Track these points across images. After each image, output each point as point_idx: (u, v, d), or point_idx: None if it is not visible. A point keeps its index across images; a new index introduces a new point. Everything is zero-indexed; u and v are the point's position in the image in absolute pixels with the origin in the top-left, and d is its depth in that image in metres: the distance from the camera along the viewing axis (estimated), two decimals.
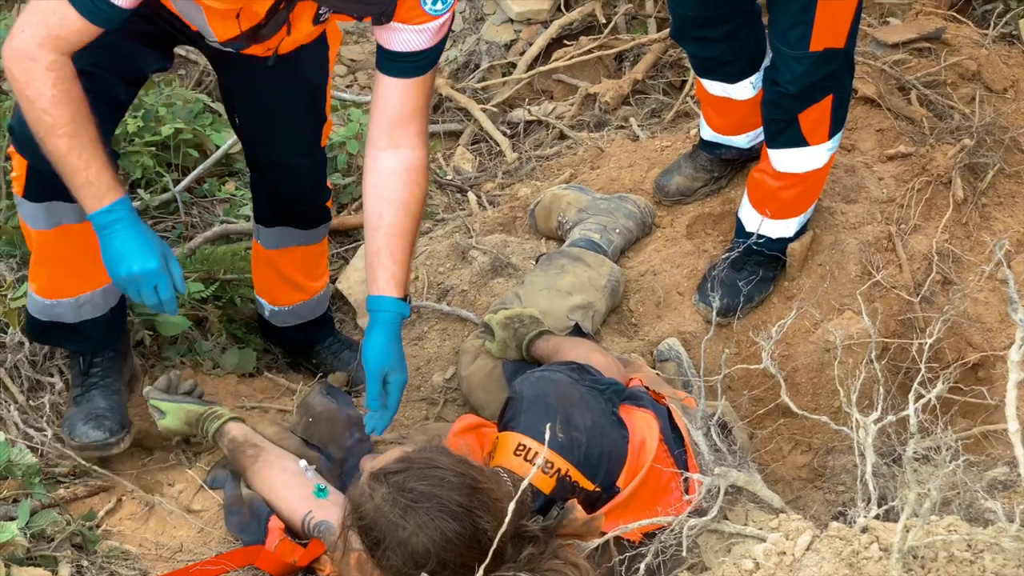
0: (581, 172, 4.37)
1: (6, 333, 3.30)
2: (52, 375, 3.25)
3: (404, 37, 2.71)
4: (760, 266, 3.64)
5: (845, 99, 3.49)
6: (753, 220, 3.62)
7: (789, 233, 3.62)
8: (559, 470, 2.72)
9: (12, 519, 2.74)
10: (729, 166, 3.98)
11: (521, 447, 2.72)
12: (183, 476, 3.13)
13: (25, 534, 2.69)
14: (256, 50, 2.84)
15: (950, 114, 4.04)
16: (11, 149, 2.83)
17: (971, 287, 3.63)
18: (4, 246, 3.47)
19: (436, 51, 2.78)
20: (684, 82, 4.97)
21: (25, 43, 2.55)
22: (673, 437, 2.94)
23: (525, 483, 2.43)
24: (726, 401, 3.23)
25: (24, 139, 2.75)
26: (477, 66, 5.42)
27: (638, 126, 4.71)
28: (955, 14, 4.55)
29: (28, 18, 2.57)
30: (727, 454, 2.80)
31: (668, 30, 5.11)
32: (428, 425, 3.41)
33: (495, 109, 5.16)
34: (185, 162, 4.25)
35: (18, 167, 2.85)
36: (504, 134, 4.99)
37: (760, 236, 3.58)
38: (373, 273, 2.83)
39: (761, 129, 3.68)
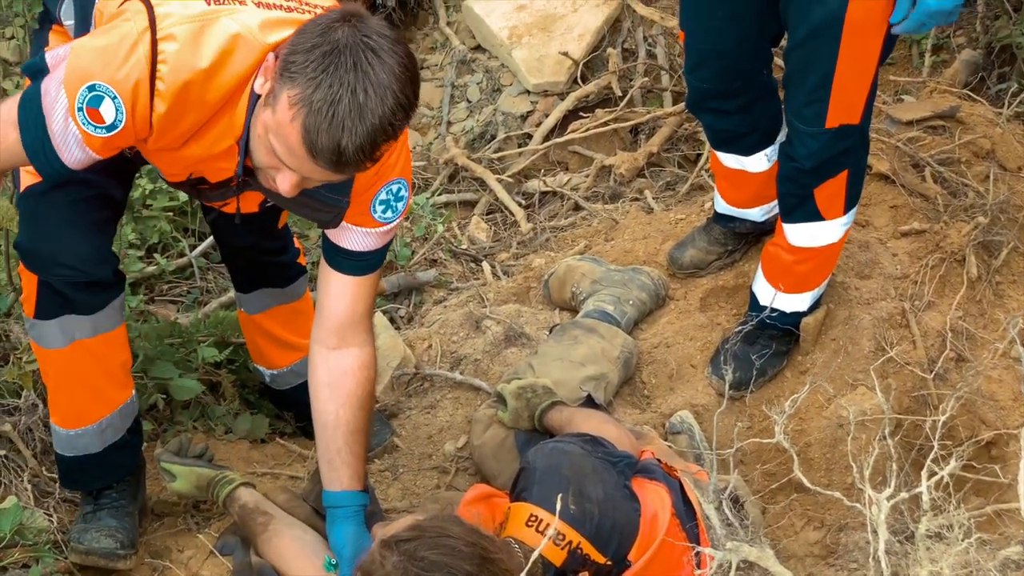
0: (595, 243, 4.39)
1: (20, 396, 3.30)
2: None
3: (354, 237, 2.78)
4: (773, 340, 3.64)
5: (860, 174, 3.50)
6: (767, 294, 3.62)
7: (803, 307, 3.63)
8: (570, 542, 2.70)
9: None
10: (743, 239, 3.99)
11: (533, 518, 2.71)
12: (193, 542, 3.12)
13: None
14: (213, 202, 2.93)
15: (964, 192, 4.05)
16: (21, 267, 2.84)
17: (985, 365, 3.62)
18: (20, 309, 3.49)
19: (383, 252, 2.86)
20: (699, 155, 5.00)
21: None
22: (685, 511, 2.93)
23: (536, 554, 2.43)
24: (738, 475, 3.22)
25: (32, 254, 2.78)
26: (493, 136, 5.47)
27: (653, 198, 4.73)
28: (969, 93, 4.59)
29: None
30: (739, 529, 2.78)
31: (684, 103, 5.17)
32: (439, 494, 3.40)
33: (510, 179, 5.20)
34: (201, 227, 4.28)
35: (28, 285, 2.84)
36: (519, 204, 5.02)
37: (773, 310, 3.59)
38: (334, 471, 2.90)
39: (776, 202, 3.68)
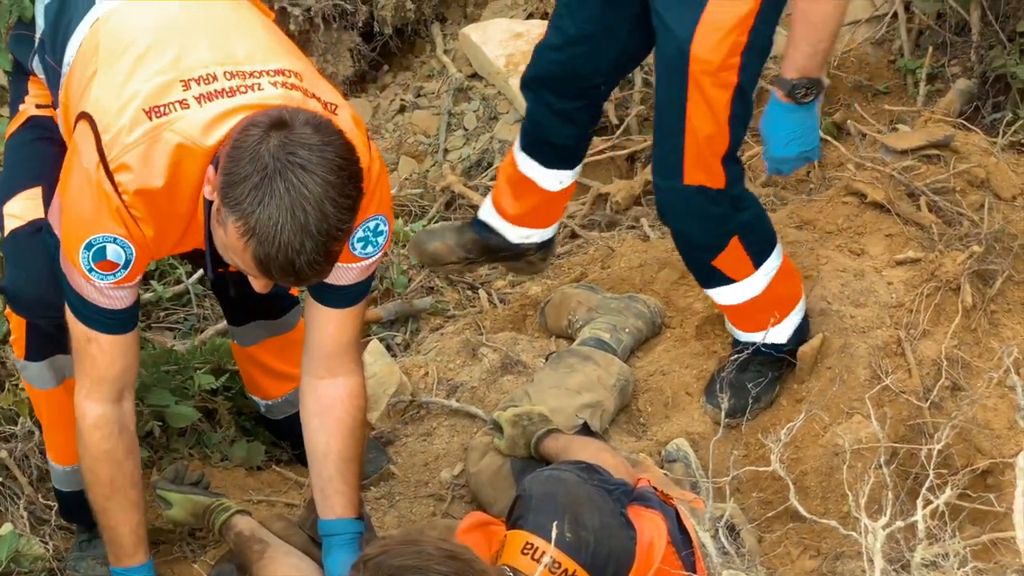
0: (591, 271, 4.40)
1: (16, 423, 3.30)
2: None
3: (336, 272, 2.76)
4: (765, 367, 3.64)
5: (751, 230, 3.46)
6: (742, 336, 3.63)
7: (783, 339, 3.63)
8: (566, 570, 2.70)
9: None
10: (490, 254, 3.93)
11: (529, 546, 2.71)
12: (188, 570, 3.13)
13: None
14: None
15: (959, 221, 4.07)
16: (7, 311, 2.86)
17: (980, 393, 3.62)
18: (12, 333, 3.49)
19: (366, 284, 2.88)
20: None
21: (78, 401, 2.72)
22: (681, 539, 2.93)
23: None
24: (734, 503, 3.22)
25: (18, 297, 2.80)
26: (490, 164, 5.47)
27: (649, 226, 4.74)
28: (964, 122, 4.60)
29: (77, 373, 2.73)
30: (735, 557, 2.78)
31: None
32: (435, 521, 3.40)
33: None
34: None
35: (16, 328, 2.87)
36: None
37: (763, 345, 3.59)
38: (328, 499, 2.92)
39: (535, 231, 3.78)
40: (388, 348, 4.23)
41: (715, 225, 3.37)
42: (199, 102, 2.50)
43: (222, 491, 3.31)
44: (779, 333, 3.60)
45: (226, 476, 3.52)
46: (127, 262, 2.53)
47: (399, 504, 3.53)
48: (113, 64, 2.56)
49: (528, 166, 3.72)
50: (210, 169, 2.44)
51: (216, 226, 2.45)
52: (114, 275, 2.54)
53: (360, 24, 6.12)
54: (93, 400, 2.67)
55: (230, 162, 2.37)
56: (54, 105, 2.82)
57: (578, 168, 3.76)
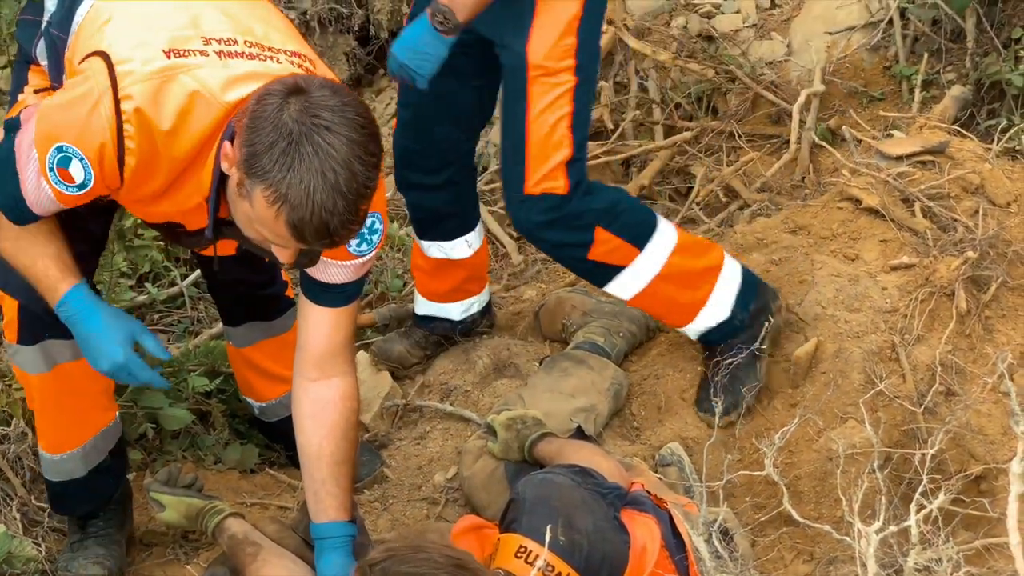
0: None
1: (9, 424, 3.30)
2: None
3: (331, 271, 2.80)
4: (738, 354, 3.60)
5: (613, 216, 3.45)
6: (691, 331, 3.64)
7: (726, 313, 3.60)
8: (559, 573, 2.70)
9: None
10: (441, 342, 4.06)
11: (522, 549, 2.71)
12: (181, 572, 3.12)
13: None
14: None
15: (953, 227, 4.07)
16: (1, 294, 2.85)
17: (974, 399, 3.62)
18: (5, 316, 3.49)
19: (360, 283, 2.88)
20: (690, 189, 5.03)
21: None
22: (675, 543, 2.93)
23: None
24: (728, 508, 3.22)
25: (11, 279, 2.78)
26: (485, 168, 5.47)
27: None
28: (959, 128, 4.61)
29: None
30: (729, 561, 2.78)
31: (676, 137, 5.21)
32: (428, 525, 3.40)
33: (501, 211, 5.21)
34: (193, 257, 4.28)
35: (8, 310, 2.86)
36: (510, 236, 5.03)
37: (710, 337, 3.59)
38: (320, 502, 2.90)
39: (473, 299, 3.89)
40: None
41: (570, 223, 3.38)
42: (220, 57, 2.50)
43: (215, 494, 3.30)
44: (718, 307, 3.60)
45: (219, 479, 3.52)
46: (82, 185, 2.51)
47: (393, 507, 3.53)
48: (128, 14, 2.56)
49: (434, 249, 3.80)
50: (226, 144, 2.42)
51: (238, 200, 2.43)
52: (66, 187, 2.51)
53: (356, 28, 6.13)
54: None
55: (251, 133, 2.35)
56: (54, 82, 2.82)
57: (479, 226, 3.85)
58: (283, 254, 2.50)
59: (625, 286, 3.52)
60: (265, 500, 3.49)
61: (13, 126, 2.62)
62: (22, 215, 2.61)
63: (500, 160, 3.44)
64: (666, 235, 3.51)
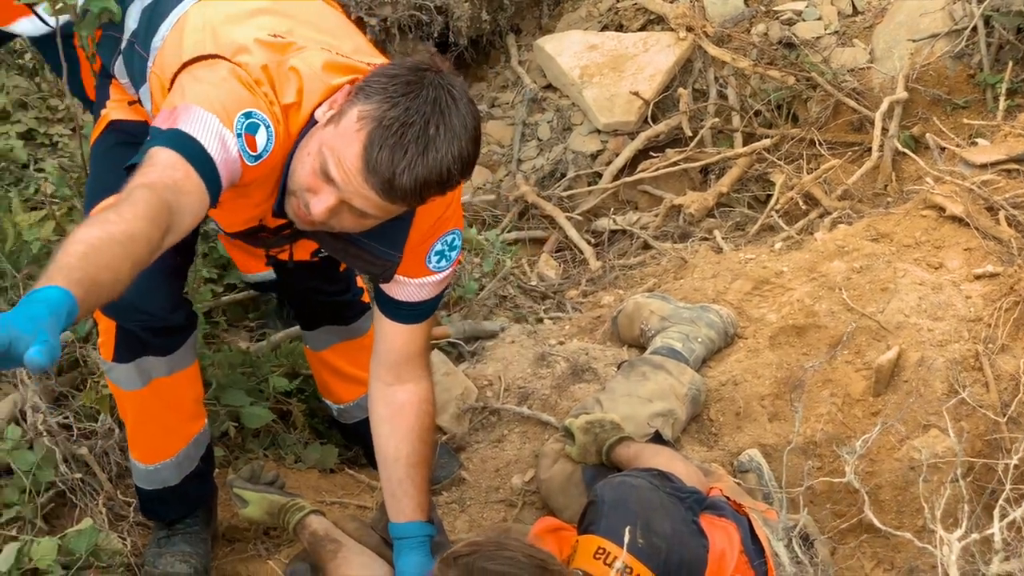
0: (664, 282, 4.40)
1: (97, 420, 3.35)
2: None
3: (408, 290, 2.80)
4: None
5: None
6: None
7: None
8: (637, 575, 2.70)
9: None
10: None
11: (601, 550, 2.71)
12: (263, 567, 3.15)
13: None
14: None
15: None
16: (97, 313, 2.84)
17: None
18: (101, 335, 3.55)
19: (436, 301, 2.87)
20: (769, 196, 5.00)
21: None
22: (754, 549, 2.91)
23: None
24: (808, 514, 3.19)
25: (111, 302, 2.78)
26: (563, 175, 5.50)
27: (722, 238, 4.73)
28: None
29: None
30: (809, 567, 2.76)
31: (755, 144, 5.18)
32: (506, 526, 3.40)
33: (580, 217, 5.23)
34: None
35: (105, 331, 2.87)
36: (588, 242, 5.05)
37: None
38: (398, 503, 2.93)
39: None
40: (460, 356, 4.25)
41: None
42: (317, 47, 2.51)
43: (296, 492, 3.33)
44: None
45: (299, 477, 3.55)
46: (260, 156, 2.40)
47: (470, 509, 3.54)
48: (215, 23, 2.55)
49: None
50: (346, 87, 2.40)
51: (315, 132, 2.40)
52: (247, 155, 2.37)
53: (435, 35, 6.18)
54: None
55: (383, 67, 2.35)
56: (135, 96, 2.85)
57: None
58: (322, 202, 2.41)
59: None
60: (344, 499, 3.52)
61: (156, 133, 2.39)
62: (213, 197, 2.34)
63: None
64: None
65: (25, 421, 3.24)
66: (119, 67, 2.87)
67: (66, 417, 3.31)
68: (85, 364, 3.51)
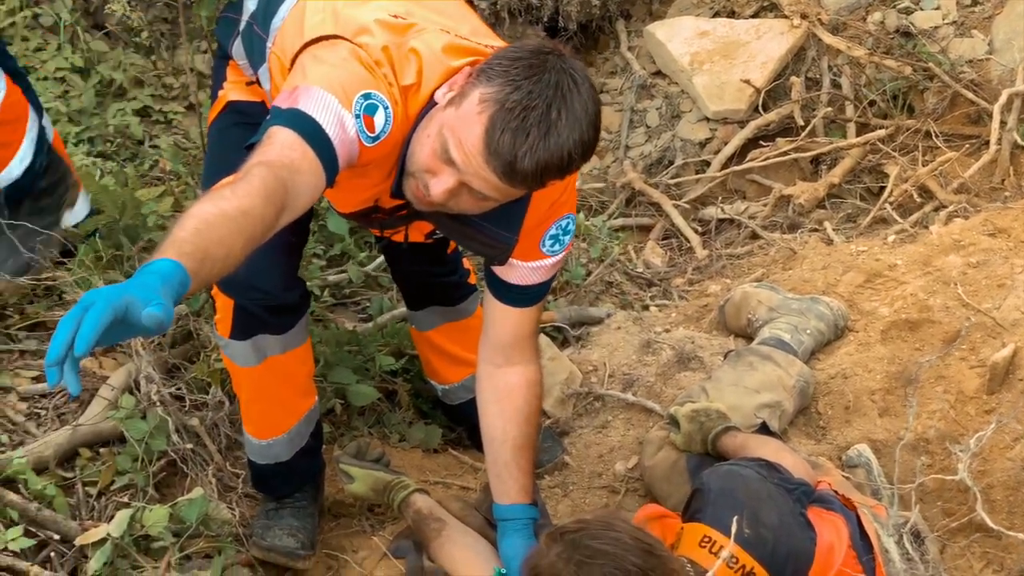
0: (772, 272, 4.35)
1: (208, 392, 3.41)
2: None
3: (520, 273, 2.79)
4: None
5: None
6: None
7: None
8: (743, 566, 2.67)
9: None
10: None
11: (706, 539, 2.69)
12: (367, 543, 3.18)
13: None
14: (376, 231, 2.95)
15: None
16: (214, 291, 2.88)
17: None
18: (211, 309, 3.60)
19: (547, 284, 2.86)
20: (882, 188, 4.92)
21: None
22: (862, 544, 2.87)
23: (710, 574, 2.41)
24: (918, 511, 3.14)
25: (229, 280, 2.78)
26: (671, 162, 5.46)
27: (833, 230, 4.66)
28: None
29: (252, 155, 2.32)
30: (919, 564, 2.72)
31: (869, 135, 5.09)
32: (611, 510, 3.39)
33: (687, 205, 5.19)
34: None
35: (223, 308, 2.88)
36: (695, 231, 5.01)
37: None
38: (503, 484, 2.95)
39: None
40: (565, 341, 4.24)
41: None
42: (436, 29, 2.52)
43: (400, 470, 3.36)
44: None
45: (404, 456, 3.57)
46: (377, 137, 2.39)
47: (573, 494, 3.54)
48: (338, 7, 2.56)
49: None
50: (467, 68, 2.40)
51: (435, 114, 2.40)
52: (365, 136, 2.36)
53: (545, 19, 6.16)
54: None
55: (503, 50, 2.34)
56: (252, 78, 2.88)
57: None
58: (441, 184, 2.40)
59: None
60: (447, 479, 3.53)
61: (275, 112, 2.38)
62: (329, 179, 2.34)
63: None
64: None
65: (139, 391, 3.31)
66: (237, 48, 2.90)
67: (179, 388, 3.37)
68: (197, 337, 3.57)
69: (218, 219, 1.98)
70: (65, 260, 3.79)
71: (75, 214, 3.82)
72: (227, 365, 3.01)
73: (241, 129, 2.81)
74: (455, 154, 2.35)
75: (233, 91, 2.97)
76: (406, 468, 3.49)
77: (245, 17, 2.84)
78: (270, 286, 2.83)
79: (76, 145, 4.74)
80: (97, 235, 3.74)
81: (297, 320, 2.94)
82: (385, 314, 4.04)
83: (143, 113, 5.14)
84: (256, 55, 2.80)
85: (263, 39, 2.74)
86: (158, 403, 3.24)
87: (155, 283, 1.78)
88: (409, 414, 3.78)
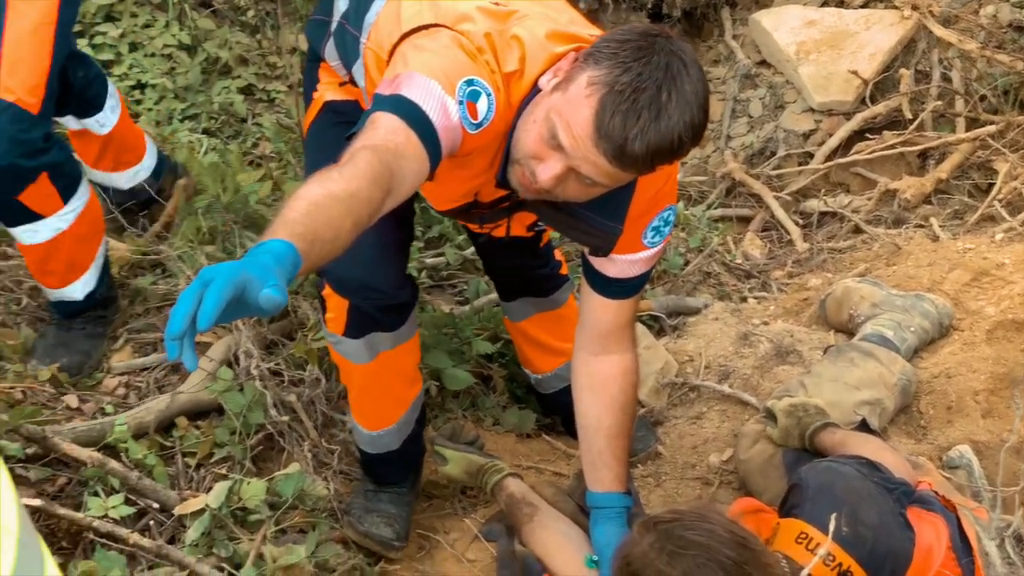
0: (875, 268, 4.28)
1: (305, 370, 3.43)
2: (346, 414, 3.33)
3: (619, 267, 2.75)
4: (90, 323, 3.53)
5: (61, 170, 3.29)
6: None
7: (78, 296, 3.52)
8: (840, 564, 2.63)
9: None
10: None
11: (803, 535, 2.65)
12: (459, 525, 3.19)
13: (310, 562, 2.78)
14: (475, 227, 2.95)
15: None
16: (327, 291, 2.87)
17: None
18: (310, 287, 3.63)
19: (645, 276, 2.82)
20: (991, 185, 4.81)
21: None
22: (962, 546, 2.81)
23: (806, 571, 2.37)
24: (1021, 515, 3.06)
25: (343, 281, 2.80)
26: (773, 153, 5.40)
27: (939, 226, 4.57)
28: None
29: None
30: (1021, 568, 2.65)
31: (979, 130, 4.98)
32: (705, 502, 3.36)
33: (788, 197, 5.12)
34: None
35: (336, 308, 2.87)
36: (796, 223, 4.94)
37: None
38: (597, 472, 2.93)
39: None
40: (661, 330, 4.21)
41: (23, 155, 3.14)
42: (538, 16, 2.50)
43: (494, 454, 3.36)
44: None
45: (497, 440, 3.57)
46: (480, 124, 2.37)
47: (665, 484, 3.51)
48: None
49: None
50: (571, 54, 2.37)
51: (540, 100, 2.38)
52: (468, 123, 2.35)
53: (649, 5, 6.13)
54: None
55: (610, 33, 2.31)
56: (345, 79, 2.88)
57: None
58: (549, 169, 2.37)
59: (31, 234, 3.35)
60: (540, 465, 3.53)
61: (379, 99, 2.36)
62: (433, 163, 2.31)
63: None
64: (83, 195, 3.39)
65: (238, 364, 3.34)
66: (329, 50, 2.89)
67: (277, 364, 3.40)
68: (295, 314, 3.60)
69: (327, 201, 1.98)
70: (167, 233, 3.86)
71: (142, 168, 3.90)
72: (337, 360, 3.01)
73: (340, 128, 2.79)
74: (563, 138, 2.32)
75: (328, 92, 2.97)
76: (499, 452, 3.49)
77: (336, 17, 2.83)
78: (386, 286, 2.83)
79: (181, 121, 4.81)
80: (198, 211, 3.80)
81: (408, 316, 2.95)
82: (482, 297, 4.04)
83: (247, 91, 5.20)
84: (350, 53, 2.80)
85: (356, 36, 2.74)
86: (256, 377, 3.28)
87: (271, 263, 1.77)
88: (503, 398, 3.78)
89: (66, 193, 3.32)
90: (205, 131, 4.83)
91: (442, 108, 2.29)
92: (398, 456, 3.13)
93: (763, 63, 5.84)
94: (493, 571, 3.04)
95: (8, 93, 3.01)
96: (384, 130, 2.23)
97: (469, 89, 2.35)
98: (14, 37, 2.99)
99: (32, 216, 3.27)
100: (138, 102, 4.91)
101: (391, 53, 2.49)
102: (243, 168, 4.20)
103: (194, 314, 1.67)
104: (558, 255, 3.56)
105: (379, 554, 3.09)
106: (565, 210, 2.60)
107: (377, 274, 2.79)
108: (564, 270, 3.55)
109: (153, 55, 5.06)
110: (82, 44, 4.82)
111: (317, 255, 1.92)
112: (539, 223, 2.95)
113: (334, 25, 2.83)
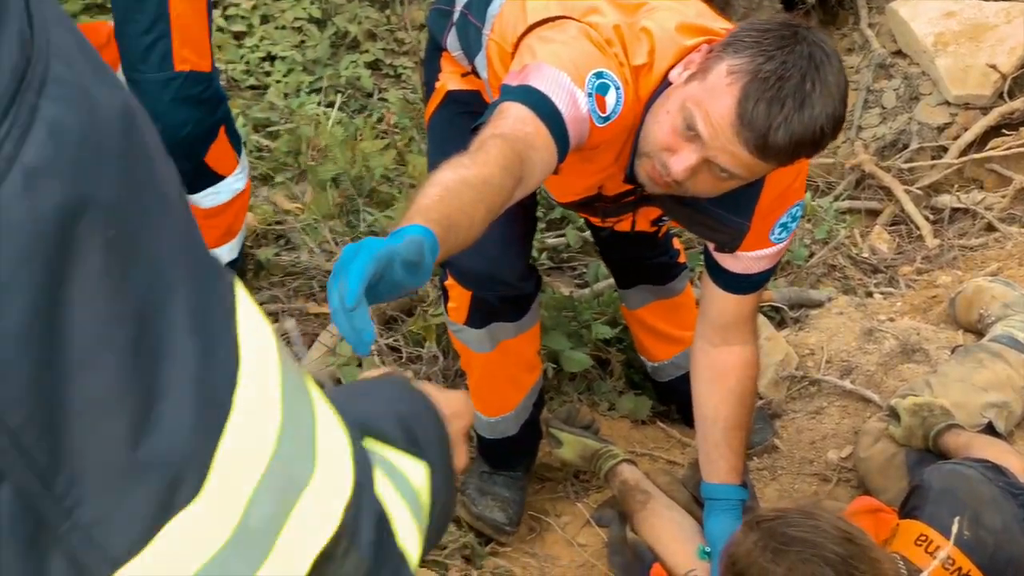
0: (1008, 268, 4.16)
1: (423, 347, 3.45)
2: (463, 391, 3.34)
3: (743, 263, 2.71)
4: None
5: (230, 118, 3.41)
6: None
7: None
8: (960, 568, 2.58)
9: None
10: None
11: (923, 537, 2.60)
12: (571, 508, 3.18)
13: None
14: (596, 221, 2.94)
15: None
16: (449, 282, 2.87)
17: None
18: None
19: (770, 272, 2.79)
20: None
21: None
22: None
23: (925, 574, 2.33)
24: None
25: (468, 273, 2.81)
26: (905, 146, 5.28)
27: None
28: None
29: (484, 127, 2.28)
30: None
31: None
32: (819, 501, 3.31)
33: (919, 192, 5.01)
34: None
35: (459, 298, 2.88)
36: (926, 218, 4.83)
37: None
38: (712, 463, 2.90)
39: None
40: (782, 321, 4.15)
41: (206, 113, 3.21)
42: (668, 12, 2.47)
43: (608, 439, 3.34)
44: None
45: (612, 425, 3.56)
46: (608, 117, 2.33)
47: (781, 478, 3.46)
48: None
49: None
50: (704, 47, 2.34)
51: (671, 92, 2.35)
52: (597, 116, 2.31)
53: None
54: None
55: (748, 22, 2.29)
56: (469, 68, 2.87)
57: None
58: (682, 161, 2.32)
59: (212, 197, 3.38)
60: (655, 452, 3.50)
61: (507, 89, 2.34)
62: (562, 154, 2.29)
63: (125, 40, 3.15)
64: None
65: None
66: (452, 40, 2.87)
67: (395, 340, 3.43)
68: (416, 292, 3.62)
69: (460, 187, 1.97)
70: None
71: None
72: (458, 347, 3.03)
73: (464, 118, 2.78)
74: (702, 128, 2.28)
75: (451, 81, 2.96)
76: (613, 438, 3.47)
77: (459, 7, 2.81)
78: (511, 278, 2.84)
79: (308, 95, 4.86)
80: (328, 184, 3.84)
81: (531, 306, 2.96)
82: (601, 281, 4.02)
83: (374, 66, 5.24)
84: (472, 45, 2.78)
85: (479, 27, 2.72)
86: (375, 353, 3.30)
87: (412, 250, 1.75)
88: (620, 383, 3.76)
89: (237, 147, 3.44)
90: (331, 104, 4.87)
91: (571, 100, 2.27)
92: (515, 442, 3.13)
93: (898, 53, 5.71)
94: (603, 557, 3.03)
95: (185, 63, 3.13)
96: (513, 119, 2.22)
97: (598, 82, 2.32)
98: (177, 15, 3.10)
99: (215, 178, 3.37)
100: (267, 74, 4.98)
101: (516, 46, 2.48)
102: (371, 140, 4.24)
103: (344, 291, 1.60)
104: (676, 243, 3.54)
105: (490, 536, 3.10)
106: (692, 205, 2.57)
107: (502, 266, 2.79)
108: (682, 258, 3.53)
109: (283, 27, 5.12)
110: (216, 15, 4.90)
111: (452, 242, 1.91)
112: (663, 218, 2.92)
113: (456, 15, 2.82)
